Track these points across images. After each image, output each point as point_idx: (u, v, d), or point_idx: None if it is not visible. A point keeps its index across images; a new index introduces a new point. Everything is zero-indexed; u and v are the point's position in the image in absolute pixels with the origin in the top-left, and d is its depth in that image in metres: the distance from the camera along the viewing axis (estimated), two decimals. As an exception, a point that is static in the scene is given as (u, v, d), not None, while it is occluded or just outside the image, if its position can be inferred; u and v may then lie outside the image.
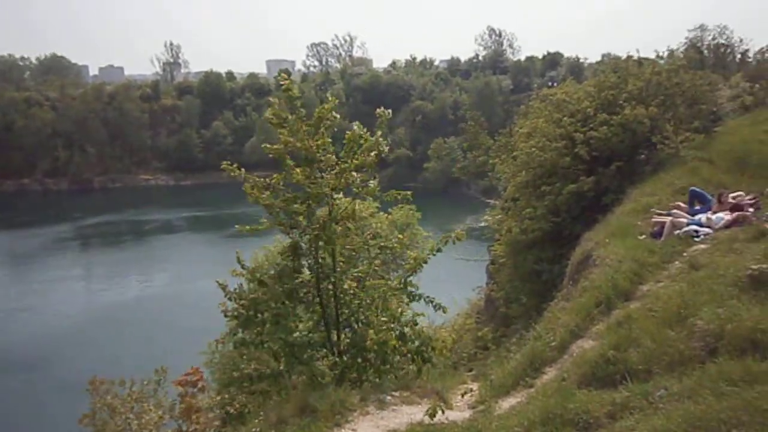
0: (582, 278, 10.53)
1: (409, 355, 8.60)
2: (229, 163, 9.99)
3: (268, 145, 9.67)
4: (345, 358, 8.36)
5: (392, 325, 8.31)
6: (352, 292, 8.73)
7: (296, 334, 8.48)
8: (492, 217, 23.76)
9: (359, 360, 8.26)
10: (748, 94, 27.89)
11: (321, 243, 8.98)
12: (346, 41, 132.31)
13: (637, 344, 6.71)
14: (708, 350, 6.20)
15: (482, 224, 31.75)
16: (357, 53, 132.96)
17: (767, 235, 9.09)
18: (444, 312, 9.15)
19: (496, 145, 22.47)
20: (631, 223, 12.59)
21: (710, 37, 57.27)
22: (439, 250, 9.69)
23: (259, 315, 8.83)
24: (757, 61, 57.90)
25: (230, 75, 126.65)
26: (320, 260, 9.01)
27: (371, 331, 8.05)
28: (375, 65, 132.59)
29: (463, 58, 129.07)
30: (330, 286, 8.79)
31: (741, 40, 60.13)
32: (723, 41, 57.37)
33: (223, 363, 18.81)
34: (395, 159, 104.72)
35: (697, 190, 12.72)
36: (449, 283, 38.14)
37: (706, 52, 56.78)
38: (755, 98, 26.64)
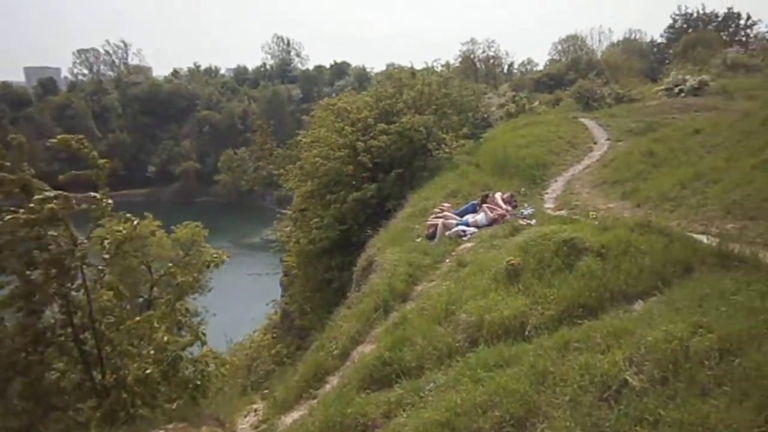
0: (365, 284, 10.86)
1: (187, 385, 8.09)
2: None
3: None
4: (110, 397, 7.60)
5: (162, 355, 7.74)
6: (114, 326, 7.96)
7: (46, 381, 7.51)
8: (281, 228, 23.69)
9: (126, 396, 7.57)
10: (512, 102, 31.38)
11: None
12: (119, 48, 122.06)
13: (410, 343, 7.05)
14: (470, 341, 6.72)
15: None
16: (133, 61, 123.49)
17: (521, 231, 10.11)
18: (202, 343, 8.70)
19: (282, 156, 22.45)
20: (408, 227, 13.29)
21: (480, 50, 63.69)
22: (213, 265, 9.15)
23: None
24: (520, 73, 65.83)
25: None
26: (69, 298, 8.04)
27: (135, 366, 7.42)
28: (155, 74, 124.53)
29: (250, 67, 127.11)
30: (86, 321, 7.93)
31: (507, 53, 67.88)
32: (492, 54, 64.14)
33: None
34: (182, 172, 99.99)
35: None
36: (248, 300, 37.27)
37: (478, 63, 63.07)
38: (517, 106, 30.04)
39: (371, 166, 17.67)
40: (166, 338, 7.60)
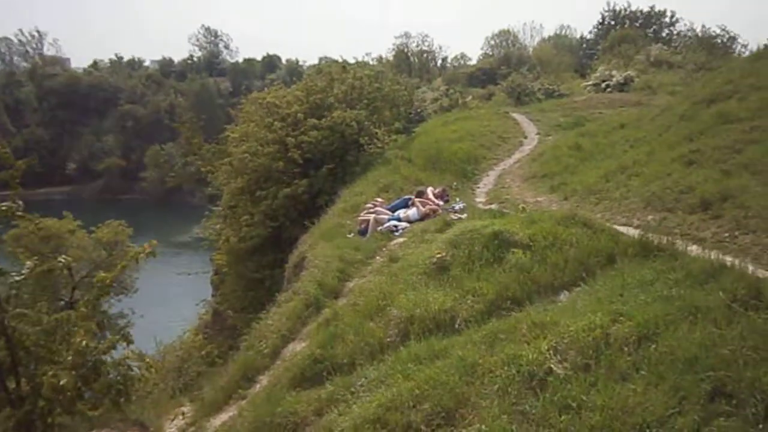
0: (296, 281, 10.74)
1: (110, 390, 7.75)
2: None
3: None
4: (25, 406, 7.18)
5: (81, 360, 7.37)
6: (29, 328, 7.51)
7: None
8: (211, 226, 23.15)
9: (43, 404, 7.18)
10: (445, 96, 31.76)
11: None
12: (33, 37, 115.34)
13: (342, 340, 7.01)
14: (402, 336, 6.75)
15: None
16: (49, 51, 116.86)
17: (452, 225, 10.23)
18: (128, 342, 8.40)
19: (211, 151, 21.89)
20: (340, 223, 13.23)
21: (414, 44, 64.13)
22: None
23: None
24: (453, 67, 66.69)
25: None
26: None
27: (50, 373, 7.04)
28: (73, 65, 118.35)
29: (176, 59, 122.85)
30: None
31: (440, 48, 68.61)
32: (425, 48, 64.72)
33: None
34: (105, 169, 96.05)
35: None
36: (178, 300, 36.26)
37: (412, 58, 63.53)
38: (451, 100, 30.44)
39: (302, 162, 17.46)
40: (84, 342, 7.23)
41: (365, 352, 6.69)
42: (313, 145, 17.58)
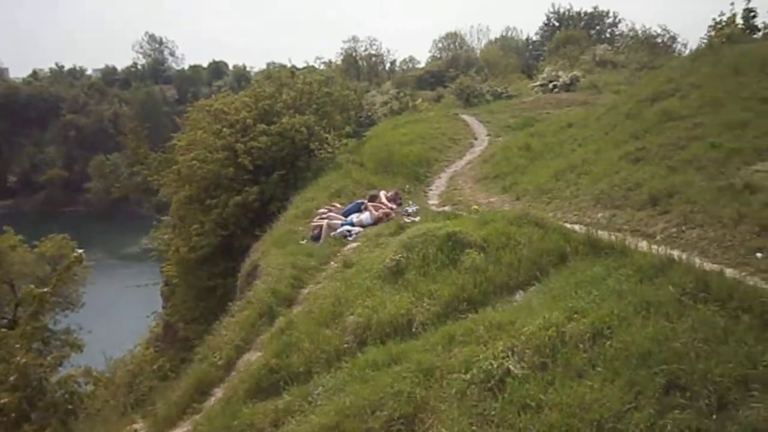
0: (249, 290, 10.51)
1: (56, 409, 7.40)
2: None
3: None
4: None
5: (23, 381, 7.02)
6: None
7: None
8: (160, 236, 22.56)
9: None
10: (396, 99, 31.77)
11: None
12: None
13: (297, 348, 6.88)
14: (359, 342, 6.66)
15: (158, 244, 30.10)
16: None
17: (405, 229, 10.18)
18: (78, 348, 8.08)
19: (158, 160, 21.30)
20: (293, 229, 13.03)
21: (362, 48, 64.14)
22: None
23: None
24: (402, 70, 66.97)
25: None
26: None
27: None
28: (12, 75, 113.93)
29: (119, 67, 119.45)
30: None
31: (389, 51, 68.84)
32: (374, 51, 64.82)
33: None
34: (47, 181, 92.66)
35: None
36: (127, 313, 35.21)
37: (360, 62, 63.56)
38: (401, 104, 30.47)
39: (252, 169, 17.16)
40: (24, 360, 6.86)
41: (321, 360, 6.58)
42: (263, 152, 17.32)
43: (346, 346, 6.65)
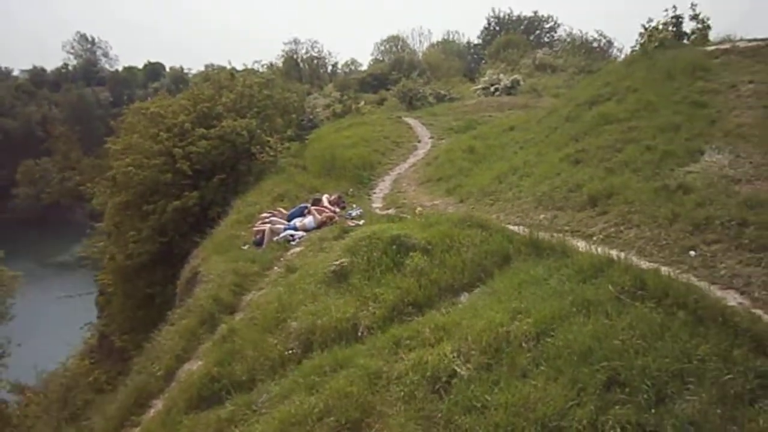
0: (189, 297, 10.22)
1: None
2: None
3: None
4: None
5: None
6: None
7: None
8: (94, 244, 21.72)
9: None
10: (338, 102, 31.62)
11: None
12: None
13: (240, 356, 6.73)
14: (304, 348, 6.55)
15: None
16: None
17: (349, 232, 10.12)
18: None
19: (91, 165, 20.53)
20: (234, 234, 12.78)
21: (303, 50, 63.54)
22: None
23: None
24: (344, 73, 66.68)
25: None
26: None
27: None
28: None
29: (49, 68, 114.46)
30: None
31: (330, 53, 68.43)
32: (315, 54, 64.31)
33: None
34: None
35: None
36: (60, 325, 33.74)
37: (302, 64, 62.90)
38: (344, 106, 30.36)
39: (191, 173, 16.72)
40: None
41: (265, 367, 6.45)
42: (203, 156, 16.91)
43: (290, 352, 6.53)
